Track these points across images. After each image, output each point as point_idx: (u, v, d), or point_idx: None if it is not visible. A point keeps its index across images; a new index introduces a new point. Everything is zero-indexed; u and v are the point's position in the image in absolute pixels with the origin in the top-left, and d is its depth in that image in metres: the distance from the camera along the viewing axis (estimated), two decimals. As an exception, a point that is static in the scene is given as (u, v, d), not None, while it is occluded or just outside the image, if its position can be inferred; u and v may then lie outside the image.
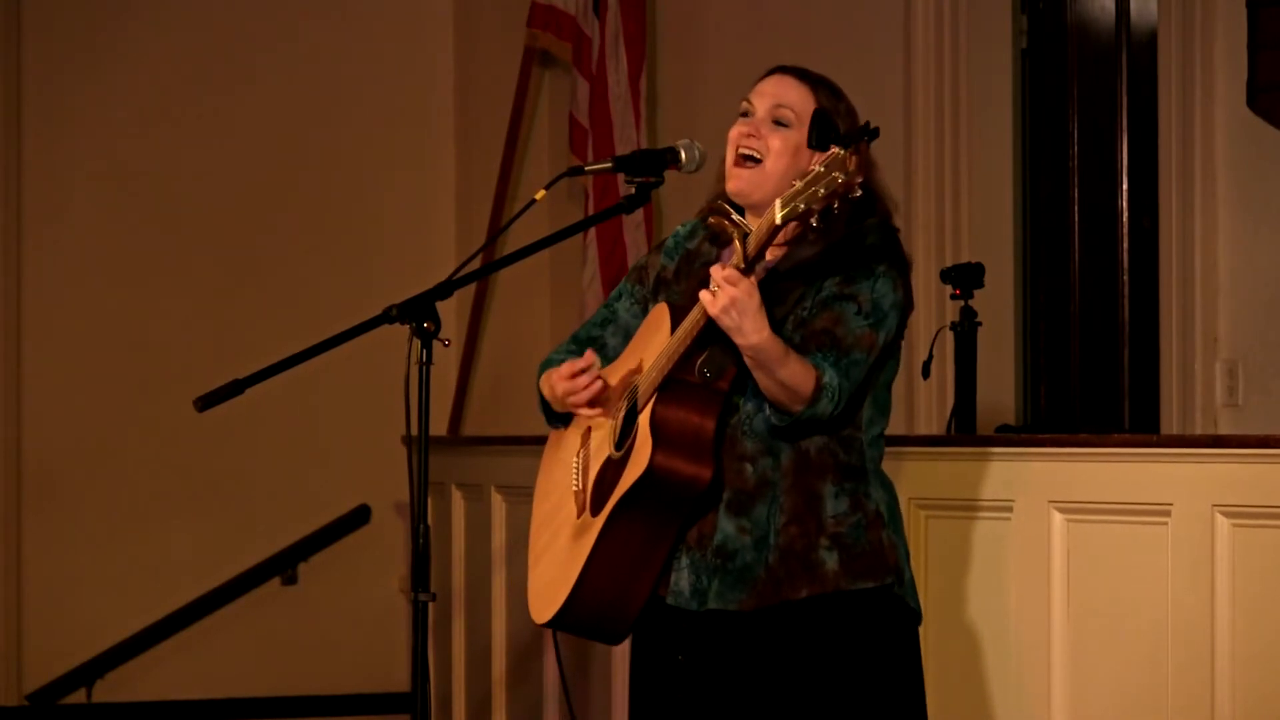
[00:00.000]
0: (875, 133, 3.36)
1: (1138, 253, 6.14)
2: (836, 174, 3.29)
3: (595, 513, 3.61)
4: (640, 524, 3.54)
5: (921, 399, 6.19)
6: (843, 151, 3.29)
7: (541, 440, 6.91)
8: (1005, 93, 6.41)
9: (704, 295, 3.40)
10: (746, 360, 3.45)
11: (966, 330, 5.18)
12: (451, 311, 7.58)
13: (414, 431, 3.64)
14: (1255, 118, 5.53)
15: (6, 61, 7.70)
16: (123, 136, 7.83)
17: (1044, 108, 6.43)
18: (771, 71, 3.72)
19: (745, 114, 3.69)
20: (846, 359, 3.50)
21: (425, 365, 3.66)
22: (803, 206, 3.30)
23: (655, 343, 3.62)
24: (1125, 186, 6.20)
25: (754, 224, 3.61)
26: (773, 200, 3.59)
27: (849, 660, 3.56)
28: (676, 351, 3.50)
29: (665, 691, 3.64)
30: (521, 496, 6.12)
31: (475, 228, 7.89)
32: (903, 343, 3.68)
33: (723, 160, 3.70)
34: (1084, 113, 6.35)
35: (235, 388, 3.68)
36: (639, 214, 7.05)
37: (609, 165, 3.87)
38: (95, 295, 7.79)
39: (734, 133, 3.67)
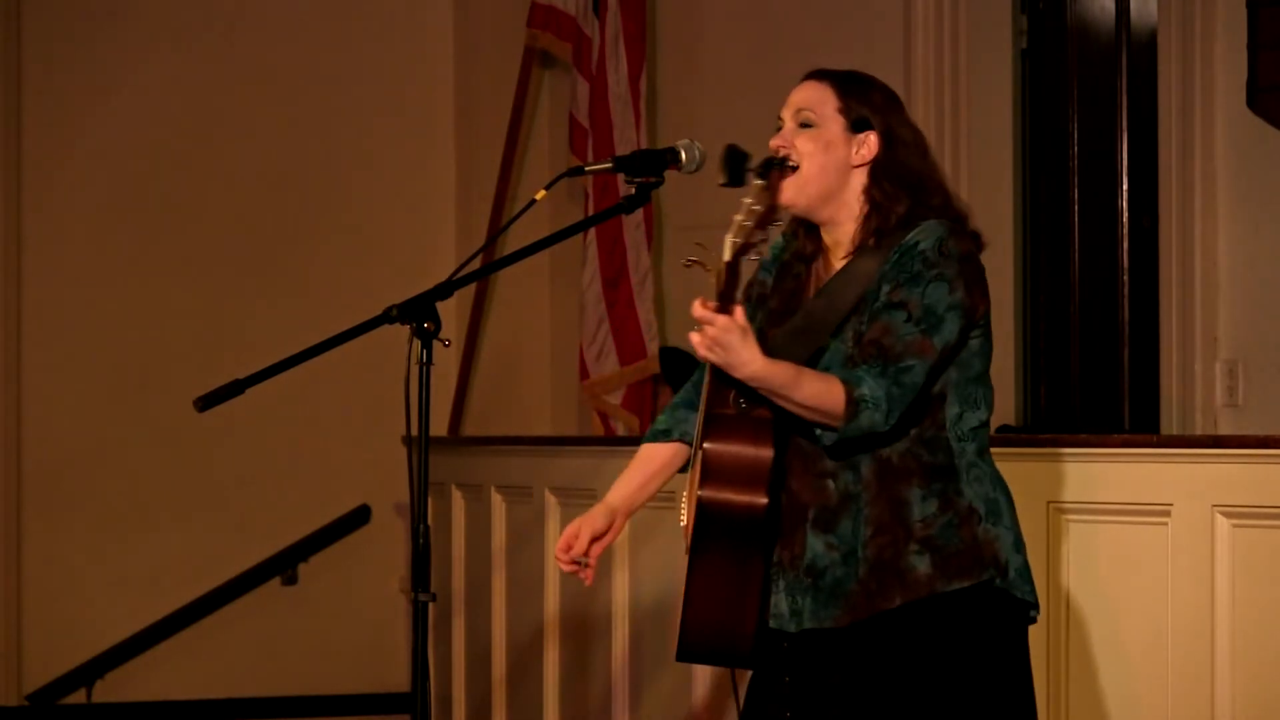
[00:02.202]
0: (780, 163, 3.41)
1: (1138, 253, 6.14)
2: (756, 205, 3.32)
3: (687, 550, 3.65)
4: (719, 556, 3.55)
5: (921, 399, 6.19)
6: (760, 182, 3.35)
7: (540, 440, 6.95)
8: (1005, 93, 6.42)
9: (692, 335, 3.40)
10: (758, 390, 3.44)
11: (966, 330, 5.17)
12: (451, 311, 7.58)
13: (414, 431, 3.64)
14: (1255, 118, 5.53)
15: (6, 61, 7.70)
16: (123, 136, 7.83)
17: (1044, 108, 6.43)
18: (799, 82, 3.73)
19: (779, 129, 3.69)
20: (895, 366, 3.46)
21: (425, 365, 3.65)
22: (740, 241, 3.33)
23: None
24: (1125, 186, 6.20)
25: (830, 235, 3.64)
26: (819, 203, 3.62)
27: (951, 663, 3.51)
28: (707, 388, 3.51)
29: (774, 713, 3.62)
30: (521, 496, 6.12)
31: (475, 228, 7.89)
32: (975, 339, 3.60)
33: None
34: (1084, 113, 6.35)
35: (235, 388, 3.68)
36: (639, 214, 7.05)
37: (609, 165, 3.87)
38: (95, 295, 7.79)
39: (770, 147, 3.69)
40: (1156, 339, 5.82)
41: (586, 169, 4.02)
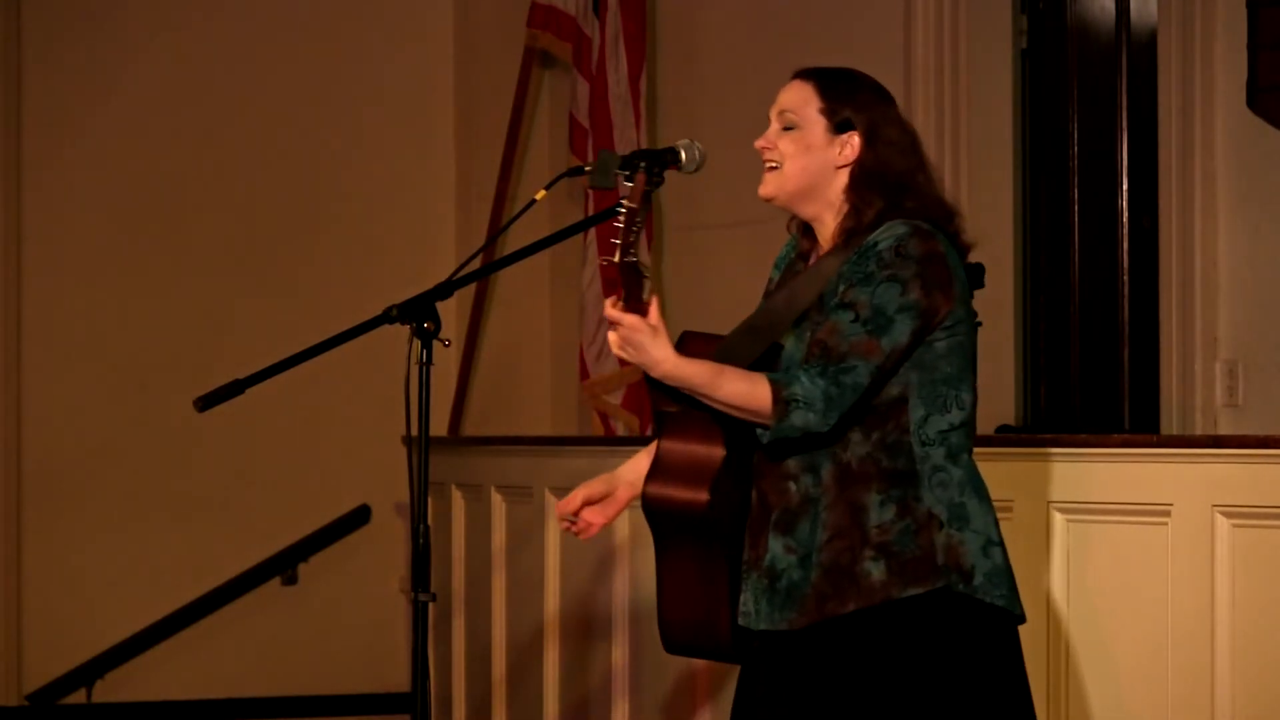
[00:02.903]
0: (637, 159, 3.53)
1: (1138, 253, 6.14)
2: (624, 206, 3.46)
3: None
4: (680, 554, 3.59)
5: (921, 399, 6.19)
6: (629, 184, 3.48)
7: (540, 440, 6.94)
8: (1005, 93, 6.42)
9: (609, 334, 3.46)
10: (678, 389, 3.47)
11: (966, 330, 5.17)
12: (451, 311, 7.58)
13: (414, 431, 3.64)
14: (1255, 118, 5.53)
15: (7, 62, 7.70)
16: (123, 136, 7.83)
17: (1044, 108, 6.43)
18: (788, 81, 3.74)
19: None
20: (837, 367, 3.45)
21: (425, 365, 3.66)
22: (619, 242, 3.45)
23: None
24: (1125, 186, 6.20)
25: (820, 234, 3.65)
26: (800, 200, 3.65)
27: (906, 669, 3.49)
28: (647, 386, 3.55)
29: (757, 711, 3.64)
30: (521, 496, 6.12)
31: (475, 228, 7.89)
32: (941, 341, 3.54)
33: None
34: (1084, 113, 6.35)
35: (235, 388, 3.69)
36: (639, 214, 7.04)
37: (609, 165, 3.87)
38: (95, 295, 7.79)
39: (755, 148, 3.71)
40: (1156, 339, 5.82)
41: (586, 169, 4.02)
